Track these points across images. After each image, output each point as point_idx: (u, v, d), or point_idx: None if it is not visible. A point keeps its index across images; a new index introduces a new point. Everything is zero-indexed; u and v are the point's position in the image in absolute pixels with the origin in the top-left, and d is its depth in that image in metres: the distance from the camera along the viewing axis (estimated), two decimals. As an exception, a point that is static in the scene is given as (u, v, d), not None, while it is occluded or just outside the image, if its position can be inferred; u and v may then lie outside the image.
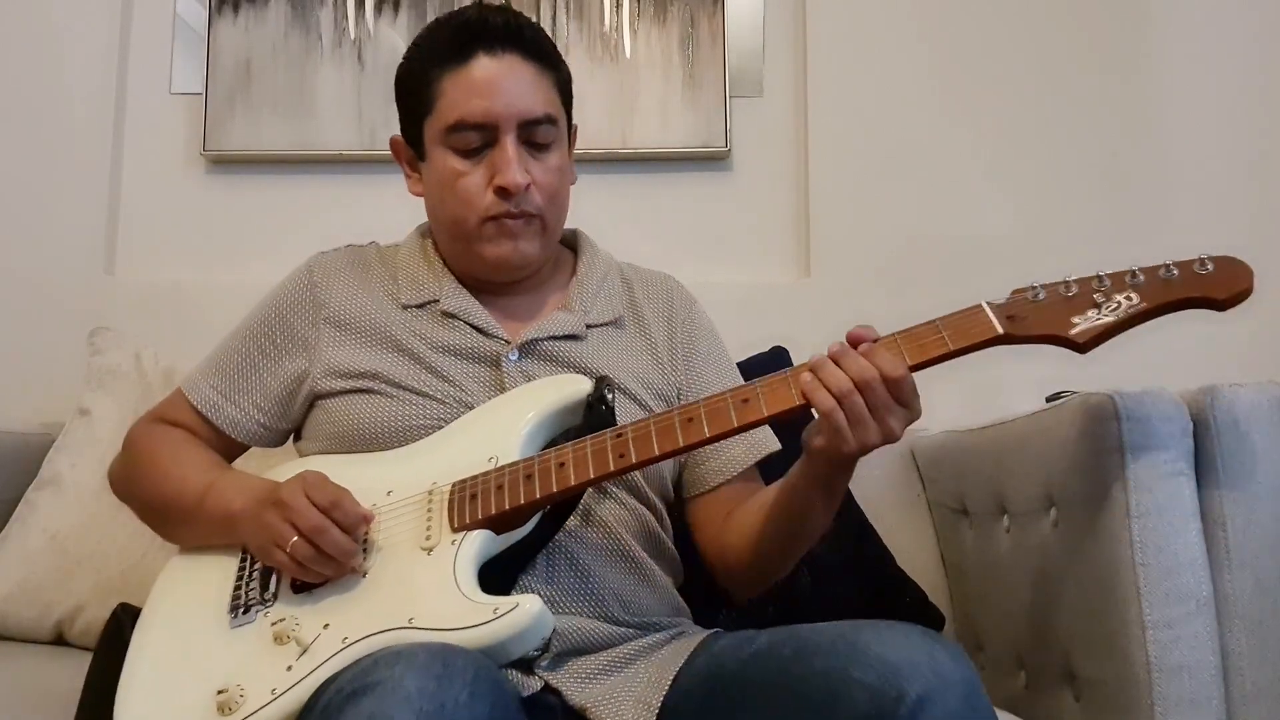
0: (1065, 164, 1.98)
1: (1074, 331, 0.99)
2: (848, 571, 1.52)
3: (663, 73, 2.01)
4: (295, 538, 1.00)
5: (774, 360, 1.63)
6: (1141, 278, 1.00)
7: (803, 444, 1.06)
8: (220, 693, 0.96)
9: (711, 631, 1.13)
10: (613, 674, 1.05)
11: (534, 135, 1.19)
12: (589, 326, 1.23)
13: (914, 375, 1.00)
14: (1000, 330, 1.00)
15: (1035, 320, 1.00)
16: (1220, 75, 1.99)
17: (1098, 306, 0.99)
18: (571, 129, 1.28)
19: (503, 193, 1.17)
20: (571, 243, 1.34)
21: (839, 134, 2.00)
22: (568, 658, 1.05)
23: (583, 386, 1.11)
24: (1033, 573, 1.30)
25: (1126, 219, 1.96)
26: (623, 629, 1.10)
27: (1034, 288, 1.02)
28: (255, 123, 2.03)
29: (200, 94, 2.04)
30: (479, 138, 1.18)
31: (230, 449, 1.25)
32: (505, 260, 1.20)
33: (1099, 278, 1.01)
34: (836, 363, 0.99)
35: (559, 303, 1.26)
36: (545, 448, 1.09)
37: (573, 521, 1.11)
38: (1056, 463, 1.24)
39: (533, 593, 0.98)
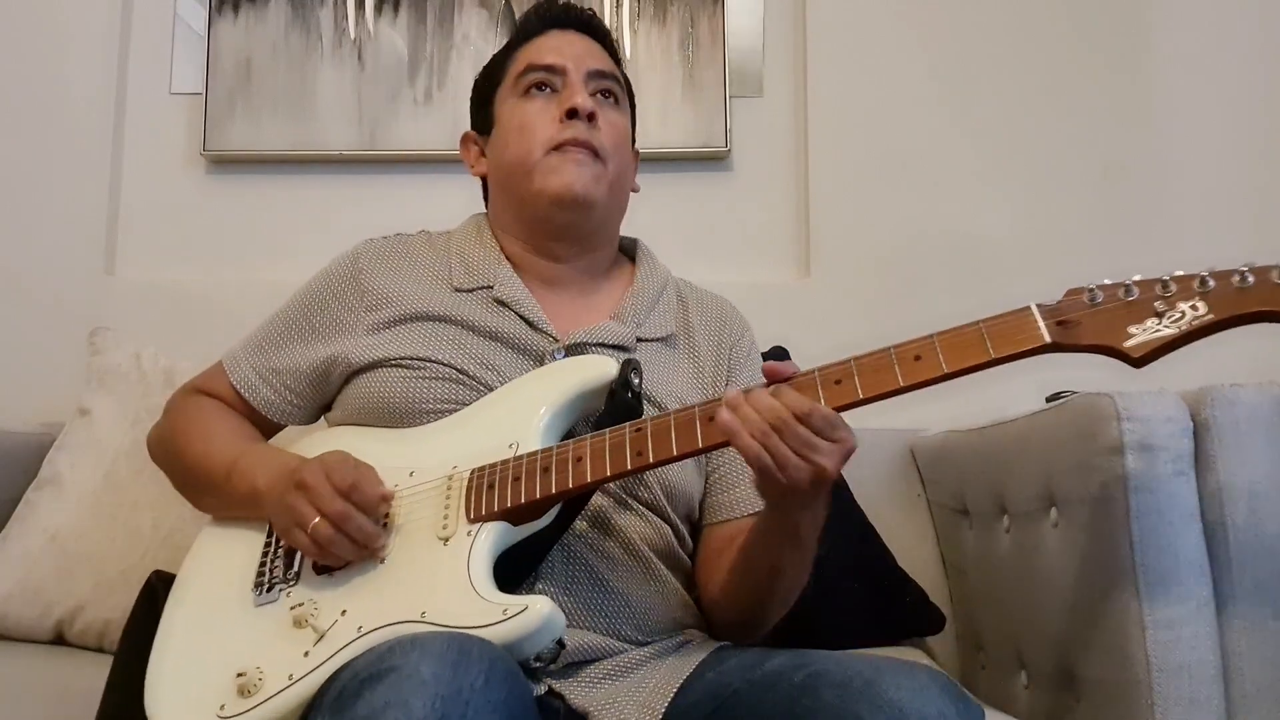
0: (1065, 164, 1.98)
1: (1129, 344, 0.89)
2: (849, 572, 1.52)
3: (663, 73, 2.01)
4: (317, 519, 1.01)
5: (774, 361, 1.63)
6: (1212, 284, 0.89)
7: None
8: (240, 675, 0.97)
9: (720, 645, 1.12)
10: (617, 679, 1.05)
11: (601, 85, 1.25)
12: (639, 340, 1.22)
13: (948, 382, 0.94)
14: (1048, 339, 0.91)
15: (1088, 328, 0.91)
16: (1221, 75, 1.99)
17: (1159, 315, 0.89)
18: (634, 149, 1.32)
19: (570, 114, 1.20)
20: (630, 251, 1.34)
21: (839, 134, 2.00)
22: (574, 669, 1.04)
23: (608, 370, 1.10)
24: (1033, 573, 1.30)
25: (1127, 219, 1.96)
26: (631, 645, 1.09)
27: (1090, 289, 0.92)
28: (255, 123, 2.03)
29: (200, 94, 2.04)
30: (548, 77, 1.24)
31: (267, 426, 1.27)
32: (567, 189, 1.19)
33: (1163, 281, 0.90)
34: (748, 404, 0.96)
35: (612, 310, 1.24)
36: (568, 432, 1.09)
37: (594, 533, 1.11)
38: (1056, 463, 1.24)
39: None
